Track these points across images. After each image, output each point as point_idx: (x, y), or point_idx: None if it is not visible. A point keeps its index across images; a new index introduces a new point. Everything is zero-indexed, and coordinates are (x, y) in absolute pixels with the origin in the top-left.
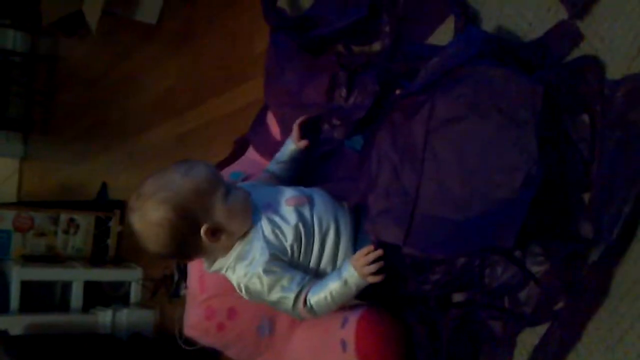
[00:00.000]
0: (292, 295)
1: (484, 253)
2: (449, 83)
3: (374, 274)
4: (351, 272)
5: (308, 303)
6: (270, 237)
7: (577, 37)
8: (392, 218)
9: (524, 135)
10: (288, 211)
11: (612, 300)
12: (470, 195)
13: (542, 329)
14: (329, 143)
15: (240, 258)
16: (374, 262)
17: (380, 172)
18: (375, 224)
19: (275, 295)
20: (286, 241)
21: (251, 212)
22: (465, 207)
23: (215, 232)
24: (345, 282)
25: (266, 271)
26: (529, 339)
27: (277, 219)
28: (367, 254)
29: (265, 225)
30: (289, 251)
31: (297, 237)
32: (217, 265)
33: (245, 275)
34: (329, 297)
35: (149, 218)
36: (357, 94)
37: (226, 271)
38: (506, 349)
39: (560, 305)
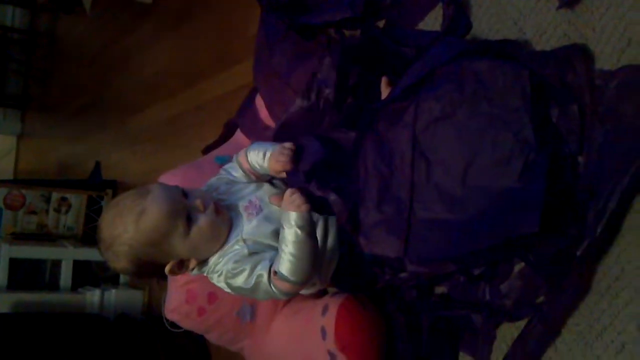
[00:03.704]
0: (265, 274)
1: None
2: (433, 83)
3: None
4: (286, 216)
5: (278, 273)
6: (249, 236)
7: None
8: (387, 229)
9: (517, 122)
10: (274, 210)
11: (593, 296)
12: (469, 192)
13: (522, 323)
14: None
15: (217, 263)
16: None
17: (368, 188)
18: (369, 237)
19: (252, 281)
20: (267, 239)
21: (224, 231)
22: (466, 204)
23: (181, 264)
24: (290, 226)
25: (240, 265)
26: (509, 332)
27: (260, 217)
28: (291, 195)
29: (245, 226)
30: (270, 245)
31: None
32: (196, 272)
33: (221, 274)
34: (291, 254)
35: (113, 264)
36: None
37: (207, 274)
38: (486, 342)
39: (540, 299)
